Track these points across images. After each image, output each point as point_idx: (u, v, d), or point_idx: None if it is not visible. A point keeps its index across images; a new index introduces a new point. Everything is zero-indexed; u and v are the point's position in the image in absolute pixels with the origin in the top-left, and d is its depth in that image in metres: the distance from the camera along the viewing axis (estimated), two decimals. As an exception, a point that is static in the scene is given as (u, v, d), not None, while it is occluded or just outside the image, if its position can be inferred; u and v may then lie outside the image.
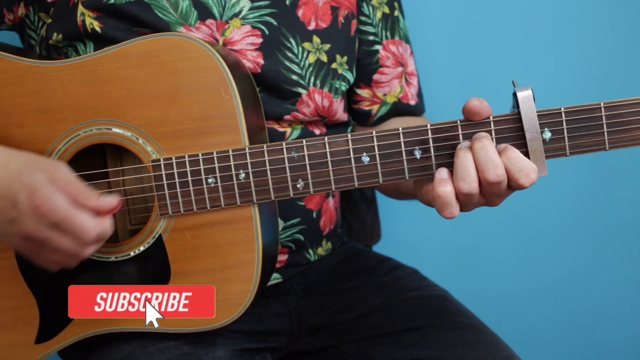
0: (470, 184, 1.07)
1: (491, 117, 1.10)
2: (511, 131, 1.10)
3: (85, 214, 1.07)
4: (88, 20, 1.23)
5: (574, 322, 1.94)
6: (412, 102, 1.46)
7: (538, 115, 1.08)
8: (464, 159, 1.07)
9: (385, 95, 1.44)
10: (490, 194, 1.09)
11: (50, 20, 1.27)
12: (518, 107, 1.08)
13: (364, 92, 1.44)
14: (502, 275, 1.92)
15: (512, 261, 1.92)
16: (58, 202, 1.06)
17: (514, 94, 1.09)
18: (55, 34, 1.26)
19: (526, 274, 1.92)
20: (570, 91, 1.80)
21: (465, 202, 1.09)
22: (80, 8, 1.24)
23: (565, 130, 1.09)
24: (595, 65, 1.81)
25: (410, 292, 1.42)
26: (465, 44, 1.82)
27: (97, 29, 1.23)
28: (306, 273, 1.41)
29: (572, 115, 1.08)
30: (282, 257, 1.36)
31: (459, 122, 1.10)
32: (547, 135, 1.09)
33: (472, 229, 1.86)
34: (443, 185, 1.08)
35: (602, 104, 1.08)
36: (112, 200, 1.10)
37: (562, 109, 1.08)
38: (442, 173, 1.09)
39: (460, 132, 1.10)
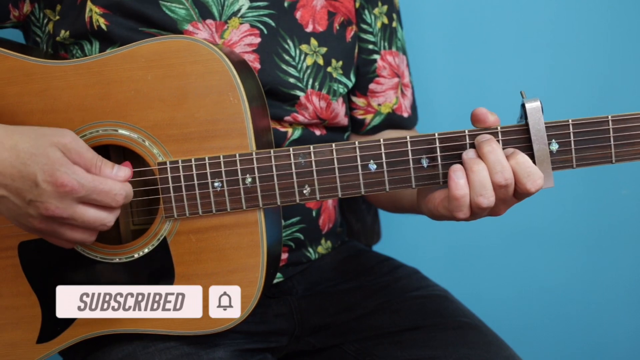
0: (489, 199, 1.07)
1: (499, 127, 1.10)
2: (519, 142, 1.10)
3: (109, 179, 1.09)
4: (95, 17, 1.23)
5: (574, 322, 1.95)
6: (405, 115, 1.46)
7: (546, 127, 1.09)
8: (480, 174, 1.07)
9: (379, 105, 1.44)
10: (497, 200, 1.09)
11: (57, 18, 1.26)
12: (526, 118, 1.08)
13: (359, 101, 1.44)
14: (503, 275, 1.93)
15: (513, 261, 1.92)
16: (81, 177, 1.07)
17: (522, 105, 1.09)
18: (62, 31, 1.25)
19: (527, 274, 1.93)
20: (575, 100, 1.81)
21: (477, 212, 1.10)
22: (89, 4, 1.23)
23: (572, 142, 1.09)
24: (602, 74, 1.81)
25: (411, 292, 1.42)
26: (467, 52, 1.82)
27: (103, 26, 1.23)
28: (307, 272, 1.42)
29: (579, 127, 1.09)
30: (283, 256, 1.36)
31: (467, 131, 1.11)
32: (555, 147, 1.09)
33: (473, 229, 1.85)
34: (461, 188, 1.08)
35: (609, 117, 1.09)
36: (126, 170, 1.12)
37: (570, 121, 1.09)
38: (459, 175, 1.08)
39: (467, 141, 1.10)
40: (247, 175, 1.14)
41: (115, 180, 1.10)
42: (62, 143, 1.07)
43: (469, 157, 1.09)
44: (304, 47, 1.32)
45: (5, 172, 1.07)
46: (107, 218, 1.10)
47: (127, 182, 1.12)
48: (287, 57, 1.30)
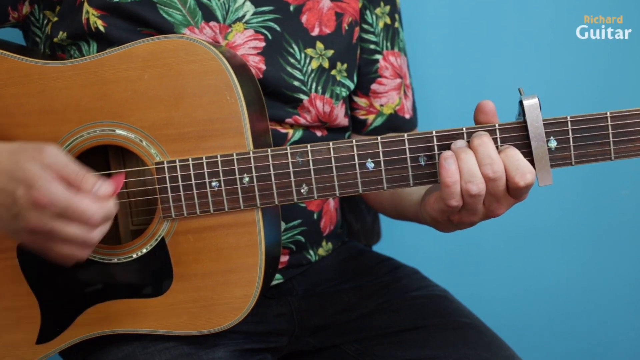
0: (479, 185, 1.07)
1: (497, 125, 1.10)
2: (517, 139, 1.09)
3: (86, 198, 1.06)
4: (92, 19, 1.23)
5: (574, 322, 1.95)
6: (407, 116, 1.46)
7: (544, 124, 1.08)
8: (468, 161, 1.07)
9: (382, 106, 1.44)
10: (488, 194, 1.09)
11: (56, 19, 1.26)
12: (524, 115, 1.08)
13: (361, 101, 1.44)
14: (503, 275, 1.93)
15: (513, 261, 1.92)
16: (57, 192, 1.05)
17: (520, 102, 1.08)
18: (60, 33, 1.25)
19: (526, 274, 1.93)
20: (574, 97, 1.80)
21: (470, 205, 1.09)
22: (86, 6, 1.23)
23: (571, 139, 1.09)
24: (601, 71, 1.81)
25: (411, 292, 1.42)
26: (466, 51, 1.82)
27: (101, 28, 1.23)
28: (307, 273, 1.41)
29: (578, 124, 1.08)
30: (283, 258, 1.36)
31: (464, 129, 1.10)
32: (553, 144, 1.09)
33: (473, 229, 1.84)
34: (452, 175, 1.08)
35: (608, 113, 1.08)
36: (109, 186, 1.07)
37: (569, 117, 1.08)
38: (449, 162, 1.08)
39: (465, 139, 1.10)
40: (245, 175, 1.14)
41: (92, 200, 1.06)
42: (40, 158, 1.06)
43: (457, 146, 1.09)
44: (309, 51, 1.32)
45: None
46: (89, 234, 1.07)
47: (110, 198, 1.08)
48: (292, 60, 1.30)
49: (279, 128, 1.31)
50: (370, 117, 1.44)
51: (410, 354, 1.32)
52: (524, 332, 1.91)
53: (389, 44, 1.43)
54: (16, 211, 1.06)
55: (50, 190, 1.04)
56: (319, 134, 1.36)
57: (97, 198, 1.06)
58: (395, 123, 1.45)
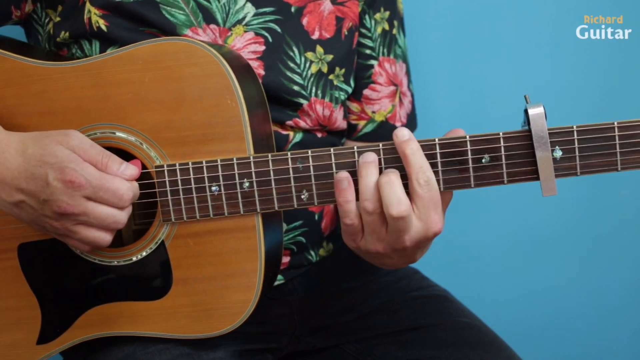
0: (375, 203, 1.07)
1: (501, 133, 1.08)
2: (521, 148, 1.08)
3: (117, 178, 1.10)
4: (94, 19, 1.22)
5: (574, 322, 1.94)
6: (398, 124, 1.44)
7: (549, 133, 1.06)
8: (367, 178, 1.08)
9: (374, 112, 1.42)
10: (397, 231, 1.09)
11: (58, 19, 1.26)
12: (529, 123, 1.06)
13: (353, 106, 1.42)
14: (503, 275, 1.92)
15: (513, 261, 1.92)
16: (90, 172, 1.08)
17: (525, 111, 1.07)
18: (62, 32, 1.24)
19: (526, 274, 1.92)
20: (580, 105, 1.79)
21: (370, 226, 1.09)
22: (88, 5, 1.22)
23: (576, 149, 1.07)
24: (609, 78, 1.79)
25: (412, 292, 1.42)
26: (469, 55, 1.80)
27: (103, 27, 1.22)
28: (308, 274, 1.41)
29: (584, 134, 1.07)
30: (285, 259, 1.36)
31: (468, 136, 1.09)
32: (558, 153, 1.07)
33: (473, 229, 1.86)
34: (344, 195, 1.09)
35: (615, 123, 1.06)
36: (133, 168, 1.12)
37: (575, 127, 1.07)
38: (343, 178, 1.09)
39: (469, 147, 1.09)
40: (245, 180, 1.13)
41: (122, 179, 1.10)
42: (66, 141, 1.09)
43: (363, 160, 1.09)
44: (309, 54, 1.31)
45: (20, 176, 1.09)
46: (119, 215, 1.11)
47: (134, 181, 1.12)
48: (292, 65, 1.29)
49: (280, 130, 1.30)
50: (361, 123, 1.43)
51: (411, 354, 1.32)
52: (524, 332, 1.90)
53: (385, 50, 1.42)
54: (46, 196, 1.08)
55: (85, 170, 1.08)
56: (319, 135, 1.36)
57: (125, 179, 1.11)
58: (386, 131, 1.43)
